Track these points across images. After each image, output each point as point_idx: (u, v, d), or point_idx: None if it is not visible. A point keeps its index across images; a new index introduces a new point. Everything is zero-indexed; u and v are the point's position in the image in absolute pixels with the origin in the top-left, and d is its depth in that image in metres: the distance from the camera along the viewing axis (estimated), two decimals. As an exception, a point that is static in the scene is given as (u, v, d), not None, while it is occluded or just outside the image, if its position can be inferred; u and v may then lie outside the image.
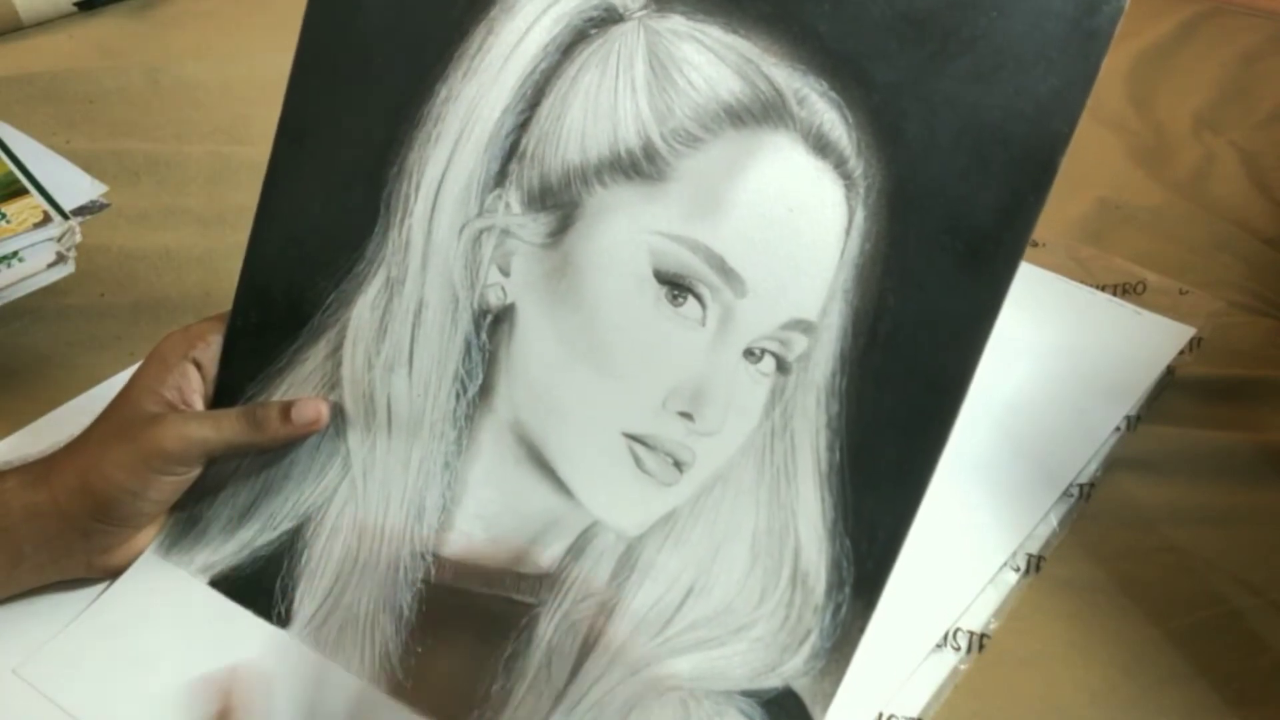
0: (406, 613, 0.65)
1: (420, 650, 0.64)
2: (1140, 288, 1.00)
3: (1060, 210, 1.10)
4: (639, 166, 0.61)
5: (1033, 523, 0.77)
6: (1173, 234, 1.09)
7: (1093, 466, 0.82)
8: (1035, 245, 1.04)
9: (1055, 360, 0.91)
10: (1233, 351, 0.95)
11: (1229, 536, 0.79)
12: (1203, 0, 1.52)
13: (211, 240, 1.00)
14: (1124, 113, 1.28)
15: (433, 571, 0.65)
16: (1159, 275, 1.01)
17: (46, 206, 0.88)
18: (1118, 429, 0.85)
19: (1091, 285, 1.00)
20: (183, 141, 1.14)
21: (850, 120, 0.59)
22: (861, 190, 0.59)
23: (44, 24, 1.35)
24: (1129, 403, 0.87)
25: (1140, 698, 0.69)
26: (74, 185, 0.94)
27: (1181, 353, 0.93)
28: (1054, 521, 0.78)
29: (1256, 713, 0.68)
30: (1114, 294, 0.99)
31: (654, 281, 0.61)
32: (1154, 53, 1.40)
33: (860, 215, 0.59)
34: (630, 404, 0.62)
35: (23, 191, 0.89)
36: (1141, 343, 0.94)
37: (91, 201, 0.92)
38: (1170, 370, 0.91)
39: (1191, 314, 0.97)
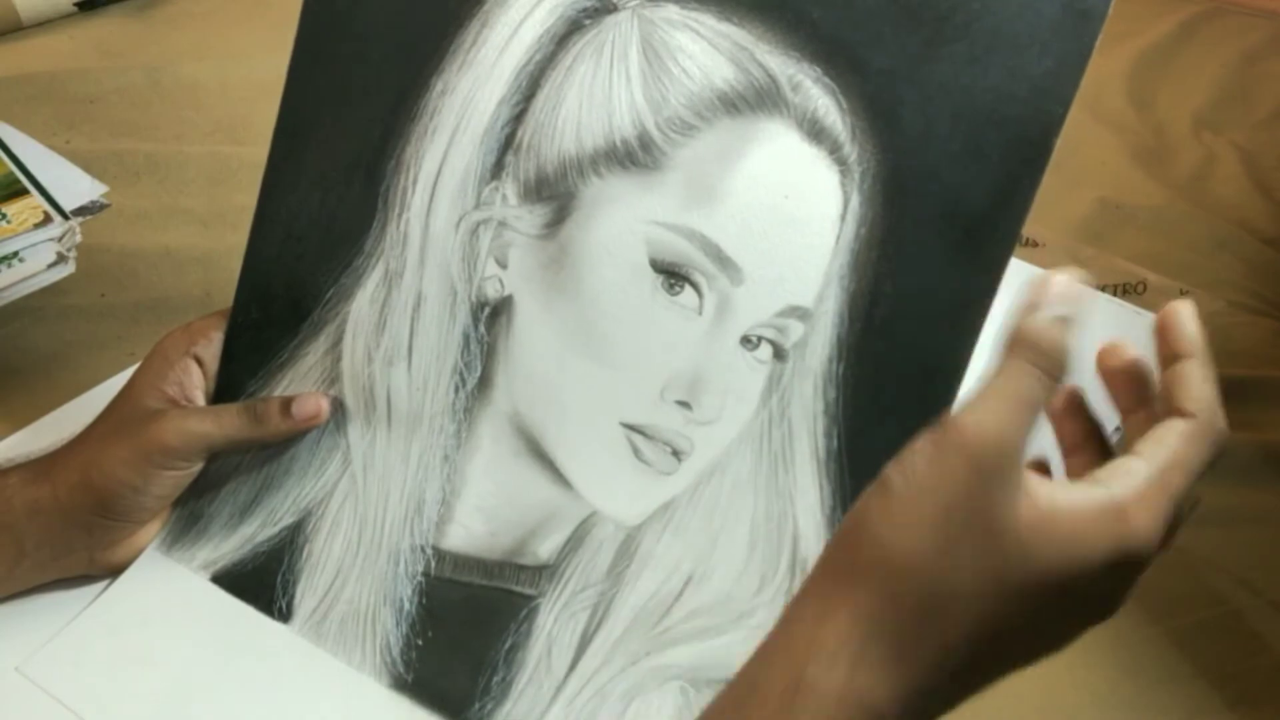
0: (407, 606, 0.65)
1: (421, 643, 0.64)
2: (1140, 288, 1.00)
3: (1060, 210, 1.10)
4: (635, 156, 0.61)
5: (1033, 522, 0.77)
6: (1173, 234, 1.09)
7: (1093, 466, 0.82)
8: (1035, 246, 1.04)
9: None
10: (1233, 351, 0.95)
11: (1229, 536, 0.79)
12: (1203, 0, 1.52)
13: (211, 240, 1.00)
14: (1124, 113, 1.29)
15: (433, 564, 0.65)
16: (1159, 275, 1.01)
17: (47, 207, 0.88)
18: (1118, 429, 0.85)
19: (1091, 285, 1.00)
20: (183, 141, 1.14)
21: (844, 106, 0.59)
22: (856, 176, 0.59)
23: (44, 24, 1.34)
24: (1129, 402, 0.87)
25: (1140, 698, 0.69)
26: (74, 185, 0.94)
27: (1182, 353, 0.93)
28: (1054, 521, 0.78)
29: (1256, 713, 0.68)
30: (1114, 294, 0.99)
31: (650, 271, 0.61)
32: (1154, 53, 1.40)
33: (855, 201, 0.59)
34: (628, 394, 0.62)
35: (23, 192, 0.89)
36: (1141, 343, 0.94)
37: (91, 201, 0.93)
38: (1171, 370, 0.91)
39: (1191, 314, 0.97)
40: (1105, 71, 1.32)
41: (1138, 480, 0.44)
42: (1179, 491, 0.45)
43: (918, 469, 0.44)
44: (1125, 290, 1.00)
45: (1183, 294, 0.99)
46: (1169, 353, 0.48)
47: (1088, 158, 1.19)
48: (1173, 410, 0.46)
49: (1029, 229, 1.05)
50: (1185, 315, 0.48)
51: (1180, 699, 0.69)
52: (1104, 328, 0.97)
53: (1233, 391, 0.90)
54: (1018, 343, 0.45)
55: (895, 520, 0.43)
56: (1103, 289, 1.00)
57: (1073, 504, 0.43)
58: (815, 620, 0.43)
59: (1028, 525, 0.42)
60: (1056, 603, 0.43)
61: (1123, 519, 0.43)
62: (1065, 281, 0.46)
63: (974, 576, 0.42)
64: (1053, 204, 1.09)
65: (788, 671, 0.43)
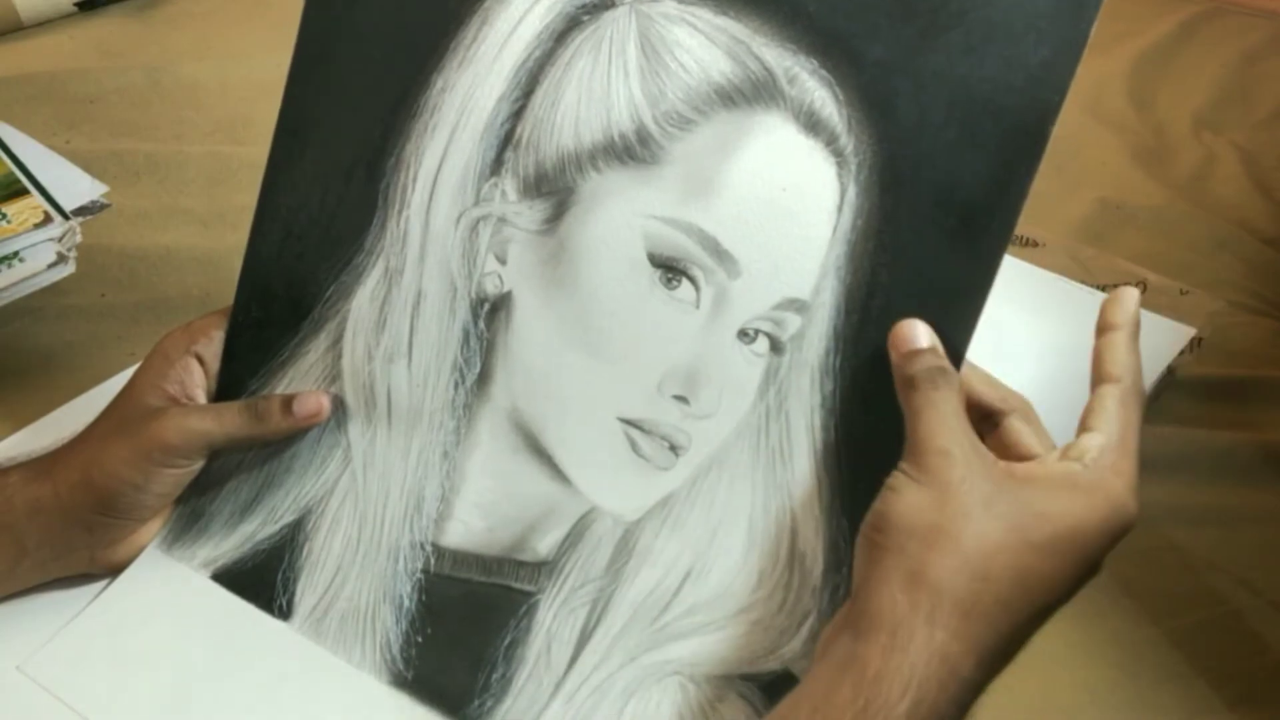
0: (406, 603, 0.65)
1: (420, 640, 0.64)
2: (1140, 288, 1.00)
3: (1060, 210, 1.10)
4: (632, 150, 0.61)
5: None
6: (1173, 234, 1.09)
7: (1093, 466, 0.82)
8: (1035, 245, 1.04)
9: (1055, 360, 0.91)
10: (1233, 351, 0.95)
11: (1229, 536, 0.79)
12: (1203, 0, 1.52)
13: (211, 240, 1.00)
14: (1124, 113, 1.29)
15: (432, 561, 0.65)
16: (1159, 275, 1.01)
17: (47, 207, 0.88)
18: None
19: (1091, 285, 1.00)
20: (183, 141, 1.14)
21: (841, 97, 0.59)
22: (853, 167, 0.59)
23: (44, 24, 1.35)
24: (1129, 402, 0.86)
25: (1140, 698, 0.69)
26: (74, 185, 0.94)
27: (1181, 353, 0.93)
28: (1054, 521, 0.78)
29: (1256, 713, 0.68)
30: (1114, 294, 0.99)
31: (648, 265, 0.61)
32: (1154, 53, 1.40)
33: (852, 192, 0.59)
34: (626, 388, 0.62)
35: (23, 192, 0.89)
36: (1142, 343, 0.94)
37: (91, 201, 0.93)
38: (1170, 370, 0.91)
39: (1192, 314, 0.97)
40: (1105, 71, 1.32)
41: (1108, 456, 0.52)
42: (1135, 450, 0.53)
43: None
44: (1125, 290, 0.99)
45: (1183, 294, 0.99)
46: (1104, 324, 0.55)
47: (1088, 158, 1.19)
48: (1103, 377, 0.54)
49: (1029, 229, 1.05)
50: (1127, 295, 0.56)
51: (1180, 699, 0.69)
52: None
53: (1233, 391, 0.91)
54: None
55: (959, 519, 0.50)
56: (1103, 289, 1.00)
57: (1069, 474, 0.52)
58: (891, 597, 0.50)
59: (1042, 492, 0.51)
60: (1064, 557, 0.51)
61: (1109, 494, 0.51)
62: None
63: (1005, 537, 0.50)
64: (1053, 204, 1.09)
65: (879, 639, 0.49)
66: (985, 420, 0.57)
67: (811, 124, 0.59)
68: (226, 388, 0.70)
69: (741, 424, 0.61)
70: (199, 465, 0.67)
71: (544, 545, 0.64)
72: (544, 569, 0.64)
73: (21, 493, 0.64)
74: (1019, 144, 0.56)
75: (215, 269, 0.96)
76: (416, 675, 0.64)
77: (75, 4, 1.36)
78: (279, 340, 0.69)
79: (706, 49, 0.61)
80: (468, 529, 0.65)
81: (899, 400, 0.56)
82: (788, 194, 0.59)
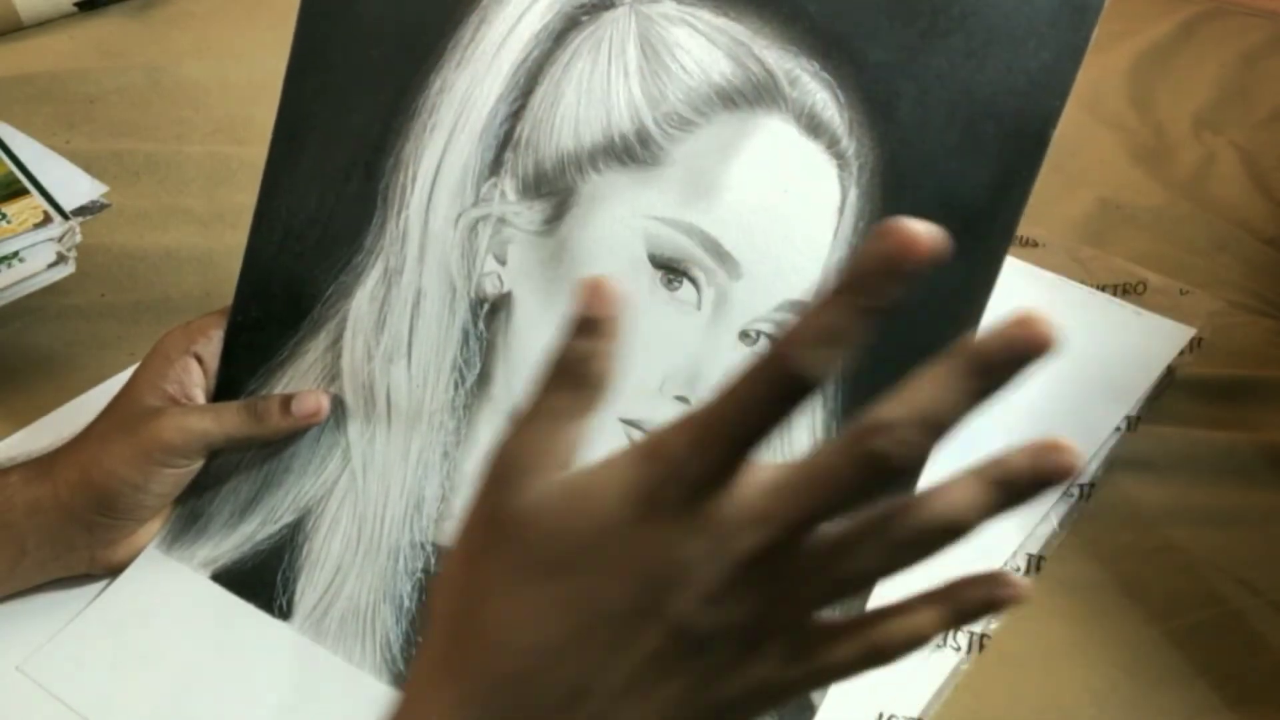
0: (406, 603, 0.65)
1: (421, 640, 0.64)
2: (1140, 288, 1.00)
3: (1060, 210, 1.10)
4: (633, 151, 0.61)
5: (1033, 523, 0.77)
6: (1173, 234, 1.09)
7: (1093, 466, 0.82)
8: (1035, 245, 1.03)
9: (1055, 360, 0.90)
10: (1233, 351, 0.95)
11: (1229, 536, 0.79)
12: (1203, 0, 1.51)
13: (211, 240, 1.00)
14: (1124, 113, 1.28)
15: (433, 561, 0.65)
16: (1159, 275, 1.01)
17: (47, 207, 0.88)
18: (1118, 429, 0.85)
19: (1092, 285, 1.00)
20: (183, 141, 1.14)
21: (842, 100, 0.59)
22: (854, 170, 0.59)
23: (44, 24, 1.34)
24: (1129, 403, 0.86)
25: (1140, 698, 0.68)
26: (74, 185, 0.94)
27: (1181, 353, 0.93)
28: (1054, 521, 0.78)
29: (1256, 713, 0.68)
30: (1114, 294, 0.99)
31: (649, 266, 0.61)
32: (1154, 53, 1.39)
33: (853, 195, 0.59)
34: (626, 389, 0.62)
35: (23, 191, 0.89)
36: (1141, 343, 0.93)
37: (91, 201, 0.92)
38: (1170, 370, 0.91)
39: (1191, 314, 0.96)
40: (1105, 71, 1.32)
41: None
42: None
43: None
44: (1125, 290, 0.99)
45: (1183, 294, 0.99)
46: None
47: (1088, 158, 1.19)
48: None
49: (1029, 229, 1.05)
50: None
51: (1180, 699, 0.68)
52: (1104, 328, 0.97)
53: (1233, 391, 0.91)
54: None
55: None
56: (1103, 289, 1.00)
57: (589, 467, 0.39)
58: (425, 705, 0.39)
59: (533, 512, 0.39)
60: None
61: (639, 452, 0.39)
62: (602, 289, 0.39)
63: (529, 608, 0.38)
64: (1053, 204, 1.09)
65: None
66: None
67: (813, 126, 0.59)
68: (225, 387, 0.70)
69: None
70: (198, 465, 0.67)
71: None
72: None
73: (22, 493, 0.64)
74: (1020, 148, 0.56)
75: (215, 269, 0.96)
76: None
77: (75, 4, 1.36)
78: (278, 340, 0.69)
79: (707, 50, 0.61)
80: (468, 529, 0.65)
81: None
82: (789, 196, 0.59)
